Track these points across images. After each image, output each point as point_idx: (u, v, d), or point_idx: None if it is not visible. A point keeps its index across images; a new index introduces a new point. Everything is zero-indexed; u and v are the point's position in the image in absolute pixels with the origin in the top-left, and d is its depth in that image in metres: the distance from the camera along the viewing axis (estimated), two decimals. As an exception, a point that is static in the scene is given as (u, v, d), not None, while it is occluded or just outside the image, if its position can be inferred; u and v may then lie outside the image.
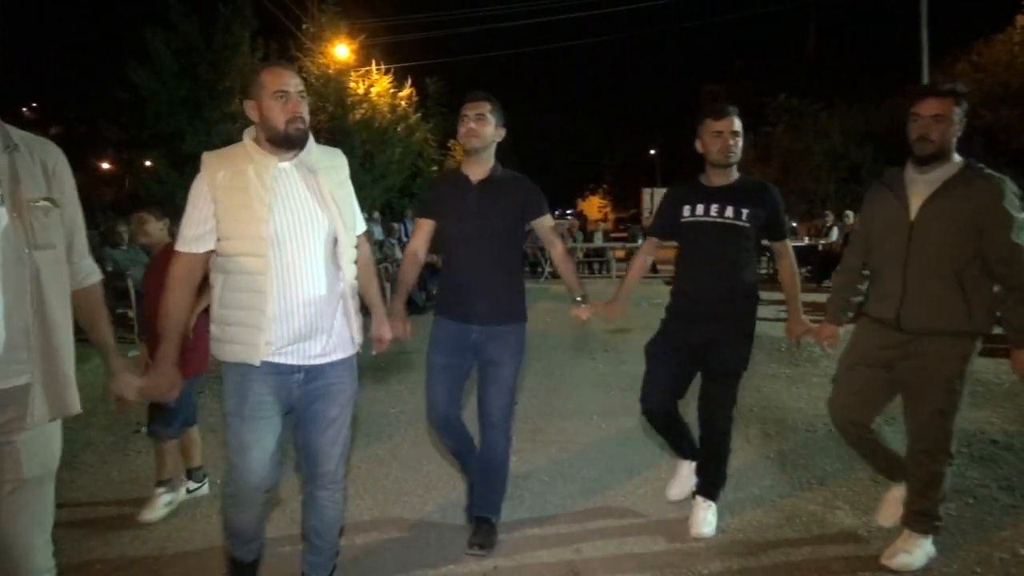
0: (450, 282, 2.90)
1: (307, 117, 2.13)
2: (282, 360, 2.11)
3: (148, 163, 12.65)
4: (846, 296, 2.92)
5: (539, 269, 15.35)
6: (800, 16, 31.53)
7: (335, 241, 2.18)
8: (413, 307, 9.33)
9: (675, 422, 3.08)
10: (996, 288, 2.56)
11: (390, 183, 16.22)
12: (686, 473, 3.18)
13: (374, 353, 2.42)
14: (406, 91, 17.50)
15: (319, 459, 2.26)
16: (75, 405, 1.79)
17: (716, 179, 2.90)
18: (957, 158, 2.55)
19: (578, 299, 2.98)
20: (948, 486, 2.67)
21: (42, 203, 1.72)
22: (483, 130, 2.76)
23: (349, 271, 2.24)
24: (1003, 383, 5.32)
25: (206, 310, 2.59)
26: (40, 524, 1.75)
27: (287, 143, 2.10)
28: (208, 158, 2.11)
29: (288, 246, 2.07)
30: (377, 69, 17.18)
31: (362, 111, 15.97)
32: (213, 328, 2.16)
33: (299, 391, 2.19)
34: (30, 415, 1.68)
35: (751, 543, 2.89)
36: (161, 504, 3.23)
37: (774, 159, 23.77)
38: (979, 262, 2.50)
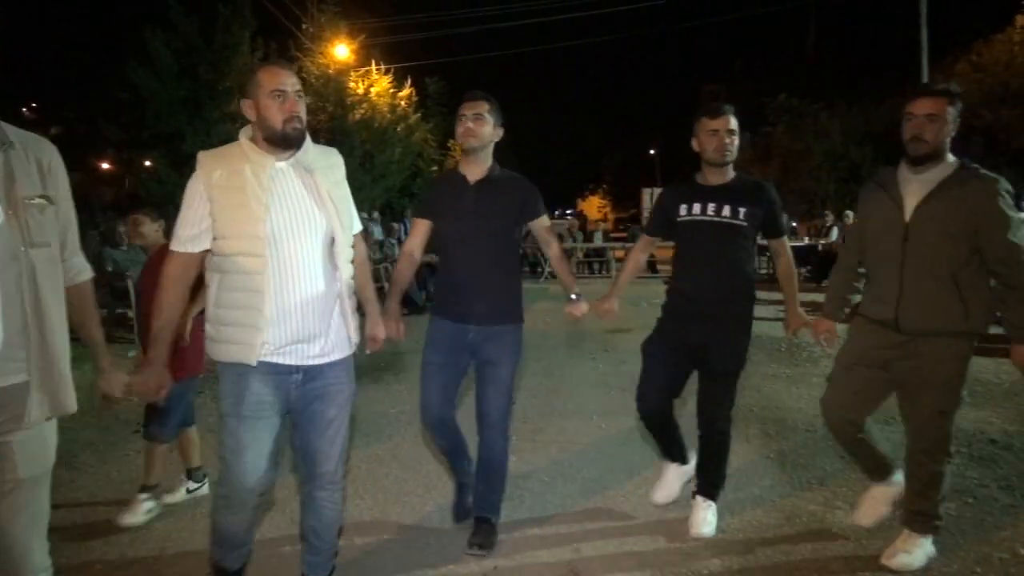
0: (447, 282, 2.90)
1: (304, 117, 2.12)
2: (280, 360, 2.10)
3: (148, 163, 12.66)
4: (843, 294, 2.93)
5: (539, 269, 15.35)
6: (800, 16, 31.53)
7: (332, 241, 2.17)
8: (412, 307, 9.32)
9: (669, 422, 3.08)
10: (994, 286, 2.56)
11: (390, 183, 16.24)
12: (672, 476, 3.17)
13: (368, 352, 2.41)
14: (406, 91, 17.53)
15: (317, 459, 2.25)
16: (71, 404, 1.79)
17: (712, 178, 2.90)
18: (951, 158, 2.55)
19: (572, 296, 2.99)
20: (947, 486, 2.67)
21: (37, 201, 1.71)
22: (481, 130, 2.76)
23: (346, 271, 2.23)
24: (1003, 383, 5.33)
25: (202, 313, 2.58)
26: (37, 524, 1.75)
27: (284, 143, 2.09)
28: (204, 157, 2.10)
29: (285, 245, 2.06)
30: (377, 69, 17.21)
31: (362, 111, 15.99)
32: (208, 328, 2.14)
33: (297, 392, 2.17)
34: (27, 414, 1.68)
35: (751, 543, 2.89)
36: (142, 510, 3.17)
37: (774, 159, 23.79)
38: (975, 262, 2.50)
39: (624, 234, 22.32)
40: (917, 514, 2.67)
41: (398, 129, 16.74)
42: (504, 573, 2.70)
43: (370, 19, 18.86)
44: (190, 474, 3.47)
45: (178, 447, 3.49)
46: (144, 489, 3.22)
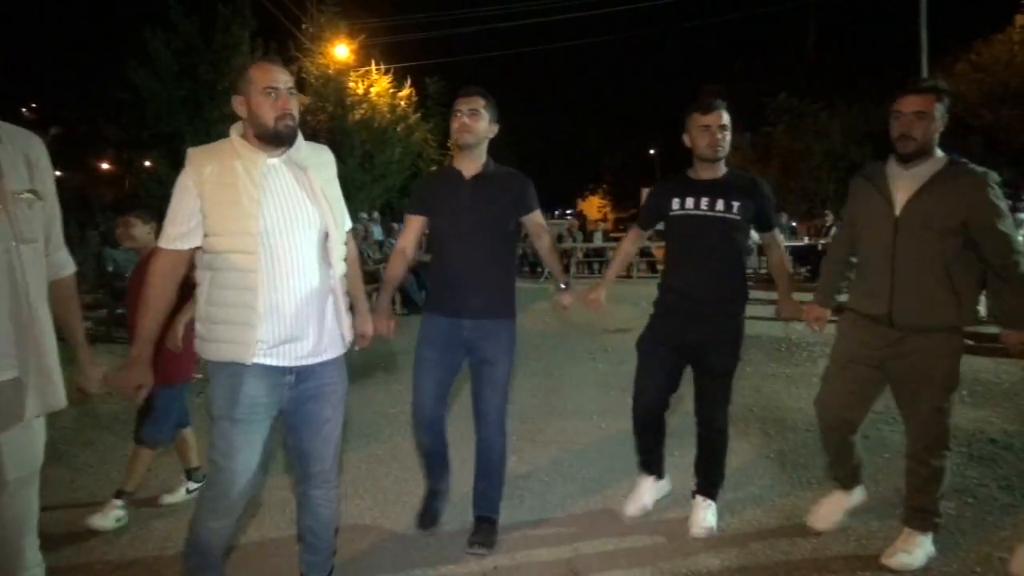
0: (441, 278, 2.88)
1: (297, 114, 2.09)
2: (274, 362, 2.07)
3: (148, 163, 12.66)
4: (834, 282, 2.96)
5: (538, 269, 15.34)
6: (800, 16, 31.51)
7: (326, 238, 2.16)
8: (412, 306, 9.33)
9: (661, 423, 3.06)
10: (992, 280, 2.59)
11: (390, 183, 16.23)
12: (646, 490, 3.11)
13: (356, 349, 2.39)
14: (406, 91, 17.51)
15: (312, 459, 2.24)
16: (61, 400, 1.78)
17: (704, 173, 2.89)
18: (940, 153, 2.57)
19: (561, 286, 3.02)
20: (947, 482, 2.69)
21: (26, 195, 1.70)
22: (476, 125, 2.75)
23: (339, 268, 2.21)
24: (1003, 383, 5.33)
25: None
26: (27, 521, 1.75)
27: (276, 140, 2.06)
28: (194, 153, 2.06)
29: (278, 242, 2.03)
30: (377, 69, 17.19)
31: (362, 111, 15.98)
32: (199, 327, 2.10)
33: (290, 392, 2.14)
34: (25, 410, 1.67)
35: (750, 542, 2.89)
36: (113, 517, 3.09)
37: (774, 159, 23.77)
38: (965, 256, 2.53)
39: (624, 234, 22.29)
40: (918, 511, 2.68)
41: (398, 129, 16.72)
42: (504, 573, 2.70)
43: (370, 19, 18.87)
44: (189, 475, 3.47)
45: (175, 449, 3.49)
46: (120, 495, 3.15)
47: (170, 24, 12.04)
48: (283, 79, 2.06)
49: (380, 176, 15.88)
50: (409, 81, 17.74)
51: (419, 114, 17.86)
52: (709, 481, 3.02)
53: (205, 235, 2.03)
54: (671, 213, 2.90)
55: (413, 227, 2.96)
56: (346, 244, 2.28)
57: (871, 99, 19.56)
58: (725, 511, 3.12)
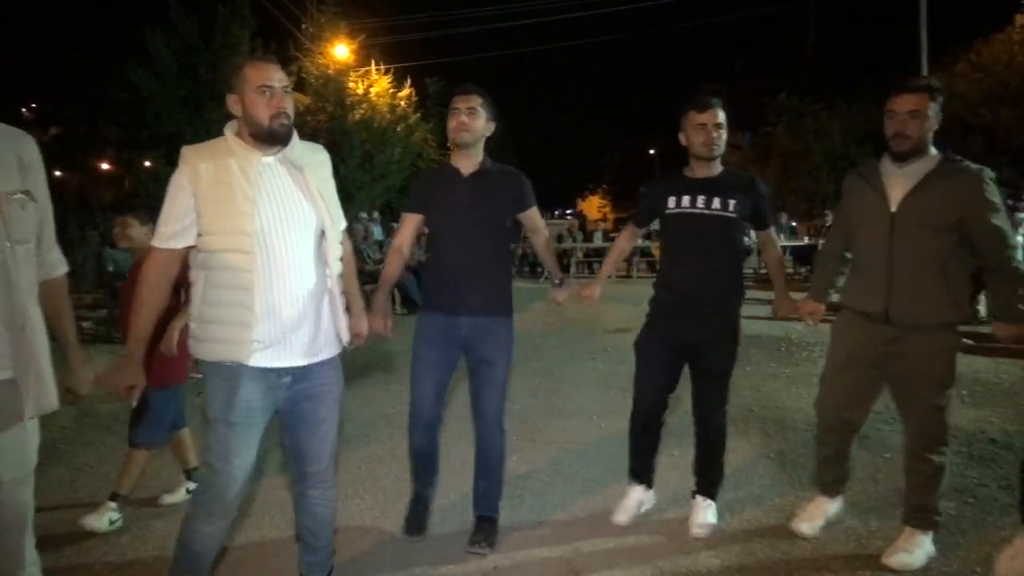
0: (439, 275, 2.87)
1: (292, 113, 2.07)
2: (270, 364, 2.05)
3: (148, 163, 12.66)
4: (829, 276, 2.98)
5: (539, 269, 15.35)
6: (800, 16, 31.50)
7: (322, 237, 2.14)
8: (412, 306, 9.32)
9: (659, 424, 3.05)
10: (987, 275, 2.61)
11: (390, 183, 16.23)
12: (635, 499, 3.07)
13: (350, 348, 2.38)
14: (405, 91, 17.49)
15: (309, 459, 2.23)
16: (52, 402, 1.77)
17: (700, 171, 2.88)
18: (934, 151, 2.59)
19: (556, 282, 3.02)
20: (946, 480, 2.70)
21: (19, 196, 1.68)
22: (474, 124, 2.76)
23: (336, 268, 2.20)
24: (1003, 383, 5.33)
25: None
26: (22, 522, 1.74)
27: (271, 139, 2.05)
28: (188, 152, 2.04)
29: (274, 242, 2.01)
30: (376, 69, 17.18)
31: (362, 111, 15.97)
32: (193, 327, 2.07)
33: (286, 393, 2.13)
34: (26, 411, 1.67)
35: (751, 542, 2.89)
36: (107, 519, 3.07)
37: (774, 159, 23.79)
38: (959, 254, 2.55)
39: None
40: (918, 510, 2.69)
41: (398, 129, 16.71)
42: (504, 573, 2.70)
43: (370, 19, 18.86)
44: (189, 475, 3.47)
45: (173, 450, 3.48)
46: (115, 497, 3.13)
47: (170, 24, 12.06)
48: (278, 77, 2.04)
49: (380, 176, 15.88)
50: (409, 81, 17.73)
51: (419, 114, 17.86)
52: (709, 481, 3.02)
53: (199, 234, 2.01)
54: (667, 212, 2.89)
55: (410, 225, 2.96)
56: (342, 244, 2.26)
57: (871, 99, 19.56)
58: (725, 511, 3.12)
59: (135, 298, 2.06)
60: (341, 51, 16.71)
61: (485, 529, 2.89)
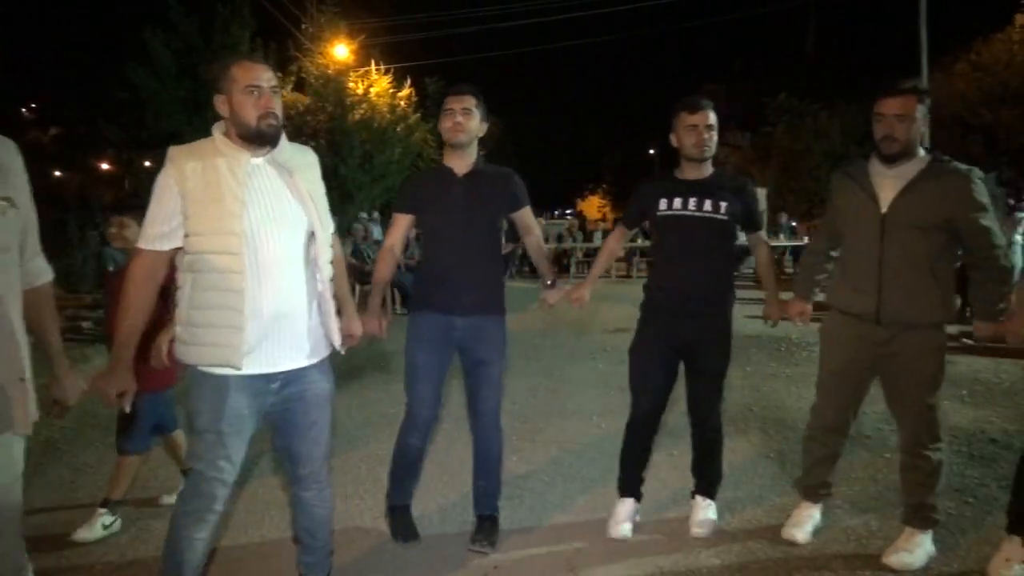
0: (433, 275, 2.86)
1: (280, 113, 2.04)
2: (258, 370, 2.02)
3: (148, 163, 12.66)
4: (814, 275, 3.00)
5: (539, 269, 15.31)
6: (800, 16, 31.53)
7: (312, 239, 2.11)
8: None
9: (655, 429, 3.04)
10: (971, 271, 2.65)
11: (390, 183, 16.22)
12: (625, 512, 3.00)
13: (342, 351, 2.37)
14: (405, 91, 17.49)
15: (301, 461, 2.21)
16: (33, 412, 1.74)
17: (691, 173, 2.87)
18: (922, 152, 2.61)
19: (548, 283, 3.02)
20: (943, 478, 2.71)
21: (0, 203, 1.64)
22: (469, 124, 2.76)
23: (327, 270, 2.16)
24: (1003, 383, 5.33)
25: None
26: (14, 528, 1.72)
27: (259, 139, 2.01)
28: (175, 151, 2.00)
29: (263, 243, 1.98)
30: (376, 69, 17.17)
31: (361, 111, 15.96)
32: (180, 331, 2.03)
33: (275, 397, 2.10)
34: (13, 421, 1.64)
35: (751, 542, 2.89)
36: (99, 525, 3.02)
37: (774, 159, 23.79)
38: (948, 254, 2.58)
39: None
40: (917, 509, 2.69)
41: (398, 129, 16.71)
42: (504, 572, 2.70)
43: (370, 19, 18.87)
44: (187, 475, 3.46)
45: (168, 452, 3.46)
46: (106, 503, 3.09)
47: (170, 24, 12.05)
48: (266, 77, 2.01)
49: (380, 176, 15.87)
50: (409, 81, 17.72)
51: (419, 114, 17.86)
52: (708, 481, 3.02)
53: (186, 235, 1.97)
54: (658, 214, 2.88)
55: (401, 226, 2.95)
56: (332, 247, 2.23)
57: (871, 99, 19.60)
58: (725, 510, 3.12)
59: (122, 300, 2.01)
60: (341, 51, 16.71)
61: (486, 528, 2.89)
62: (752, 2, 38.77)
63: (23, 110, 25.86)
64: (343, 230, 12.23)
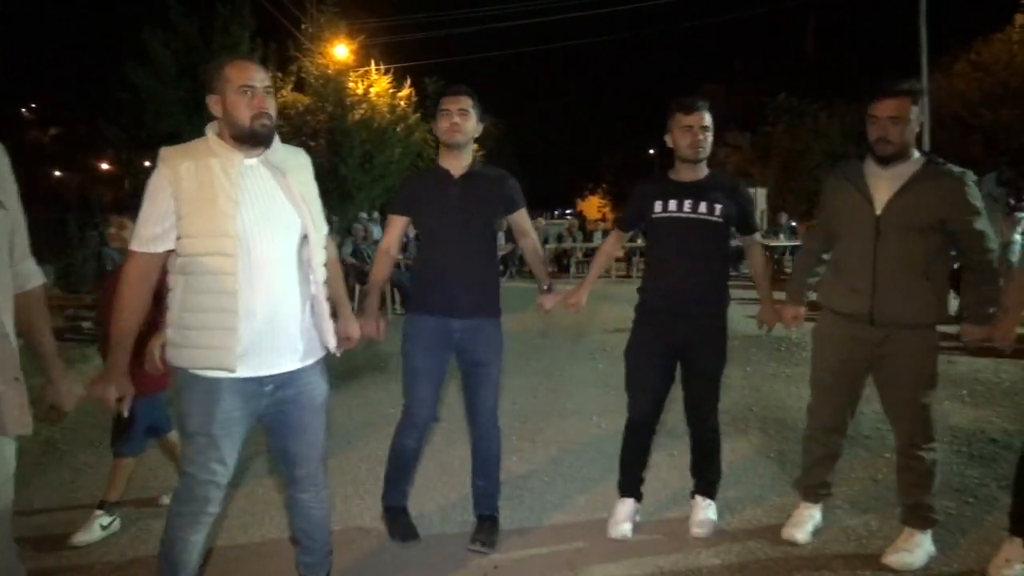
0: (430, 276, 2.84)
1: (274, 113, 2.03)
2: (251, 373, 2.00)
3: (148, 163, 12.65)
4: (807, 279, 3.00)
5: (539, 269, 15.30)
6: (800, 16, 31.55)
7: (305, 241, 2.10)
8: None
9: (652, 433, 3.04)
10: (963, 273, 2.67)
11: (390, 183, 16.22)
12: (625, 513, 3.00)
13: (338, 354, 2.36)
14: (405, 91, 17.49)
15: (297, 464, 2.19)
16: (29, 414, 1.72)
17: (686, 174, 2.87)
18: (917, 154, 2.61)
19: (544, 288, 3.01)
20: (940, 476, 2.72)
21: None
22: (466, 125, 2.76)
23: (320, 272, 2.15)
24: (1003, 382, 5.33)
25: None
26: (5, 529, 1.71)
27: (253, 140, 2.00)
28: (168, 152, 1.98)
29: (256, 245, 1.96)
30: (376, 69, 17.17)
31: (361, 111, 15.96)
32: (172, 334, 2.00)
33: (268, 400, 2.08)
34: (3, 425, 1.63)
35: (751, 542, 2.89)
36: (97, 527, 3.02)
37: (774, 159, 23.79)
38: (942, 255, 2.59)
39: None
40: (915, 509, 2.70)
41: (398, 129, 16.71)
42: (504, 572, 2.70)
43: (370, 19, 18.88)
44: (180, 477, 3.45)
45: (165, 453, 3.45)
46: (102, 505, 3.09)
47: (169, 24, 12.05)
48: (259, 77, 2.00)
49: (380, 176, 15.87)
50: (409, 81, 17.72)
51: (419, 114, 17.86)
52: (707, 480, 3.02)
53: (179, 237, 1.94)
54: (653, 216, 2.87)
55: (397, 227, 2.95)
56: (325, 248, 2.21)
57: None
58: (725, 510, 3.12)
59: (116, 304, 1.98)
60: (341, 51, 16.71)
61: (486, 528, 2.90)
62: (752, 2, 38.78)
63: (23, 110, 25.88)
64: (343, 230, 12.24)
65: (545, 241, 16.88)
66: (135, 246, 1.98)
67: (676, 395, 3.02)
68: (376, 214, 15.23)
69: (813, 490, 2.95)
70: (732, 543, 2.88)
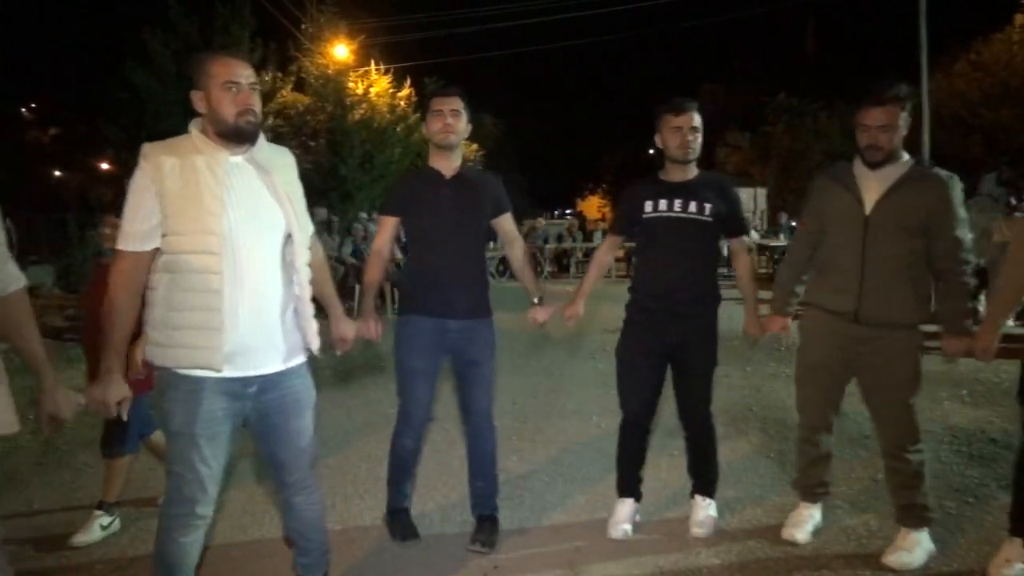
0: (423, 277, 2.83)
1: (259, 110, 2.00)
2: (234, 373, 1.97)
3: (148, 163, 12.65)
4: (793, 287, 2.98)
5: (538, 268, 15.34)
6: (800, 16, 31.56)
7: (290, 241, 2.07)
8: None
9: (647, 434, 3.04)
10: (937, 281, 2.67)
11: (389, 183, 16.23)
12: (624, 514, 3.00)
13: (338, 354, 2.35)
14: (405, 91, 17.51)
15: (286, 469, 2.17)
16: (13, 417, 1.71)
17: (675, 175, 2.87)
18: (905, 156, 2.65)
19: (535, 301, 2.98)
20: (929, 473, 2.73)
21: None
22: (459, 125, 2.77)
23: (304, 272, 2.12)
24: (1003, 382, 5.32)
25: None
26: None
27: (237, 137, 1.97)
28: (151, 148, 1.94)
29: (241, 244, 1.93)
30: (376, 69, 17.19)
31: (361, 111, 15.98)
32: (155, 334, 1.96)
33: (253, 403, 2.05)
34: None
35: (751, 542, 2.89)
36: (97, 527, 3.02)
37: (773, 159, 23.82)
38: (924, 256, 2.60)
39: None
40: (907, 508, 2.71)
41: (398, 129, 16.73)
42: (504, 572, 2.70)
43: (369, 19, 18.88)
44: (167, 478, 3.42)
45: (152, 455, 3.41)
46: (101, 505, 3.08)
47: (169, 24, 12.06)
48: (245, 74, 1.97)
49: (380, 176, 15.88)
50: (408, 81, 17.75)
51: (419, 114, 17.86)
52: (706, 480, 3.02)
53: (164, 234, 1.91)
54: (644, 216, 2.87)
55: (388, 228, 2.94)
56: (310, 248, 2.19)
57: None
58: (725, 510, 3.12)
59: (106, 308, 1.93)
60: (341, 51, 16.72)
61: (486, 528, 2.90)
62: (752, 2, 38.75)
63: (23, 110, 25.88)
64: (343, 230, 12.24)
65: (545, 241, 16.88)
66: (121, 245, 1.95)
67: (673, 394, 3.02)
68: (376, 214, 15.23)
69: (811, 490, 2.96)
70: (732, 543, 2.88)
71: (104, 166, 23.40)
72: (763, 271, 13.42)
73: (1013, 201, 7.57)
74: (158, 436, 3.28)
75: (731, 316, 3.05)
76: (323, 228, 11.80)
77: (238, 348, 1.96)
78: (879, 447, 2.81)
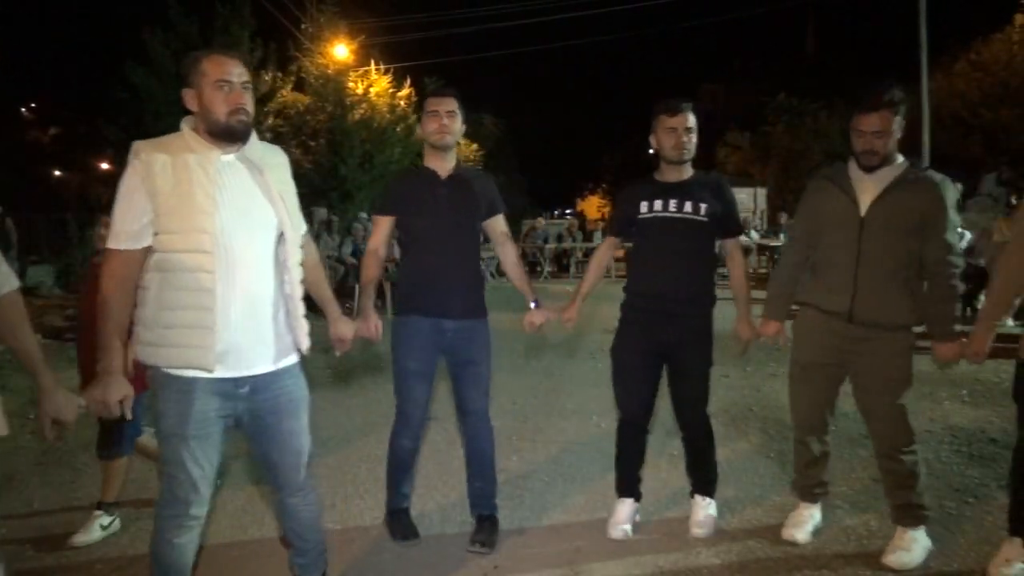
0: (420, 277, 2.83)
1: (251, 109, 1.99)
2: (226, 373, 1.97)
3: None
4: (788, 291, 2.96)
5: (538, 268, 15.37)
6: (799, 16, 31.57)
7: (282, 240, 2.06)
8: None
9: (644, 434, 3.04)
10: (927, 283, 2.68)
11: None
12: (624, 513, 2.99)
13: (338, 354, 2.34)
14: (405, 91, 17.51)
15: (280, 470, 2.16)
16: (2, 423, 1.71)
17: (670, 175, 2.87)
18: (900, 158, 2.66)
19: (531, 305, 2.97)
20: (924, 472, 2.74)
21: None
22: (454, 126, 2.78)
23: (296, 272, 2.11)
24: (1003, 383, 5.32)
25: None
26: None
27: (229, 136, 1.96)
28: (141, 146, 1.93)
29: (233, 242, 1.93)
30: (376, 69, 17.19)
31: (361, 111, 15.98)
32: (146, 333, 1.95)
33: (245, 404, 2.04)
34: None
35: (751, 542, 2.89)
36: (97, 528, 3.01)
37: (773, 159, 23.82)
38: (917, 258, 2.62)
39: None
40: (903, 508, 2.71)
41: (398, 129, 16.73)
42: (505, 572, 2.70)
43: (369, 19, 18.88)
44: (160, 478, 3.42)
45: (143, 457, 3.37)
46: (100, 505, 3.07)
47: (169, 24, 12.06)
48: (237, 72, 1.96)
49: (380, 176, 15.86)
50: (408, 81, 17.74)
51: (419, 114, 17.88)
52: (705, 479, 3.02)
53: (155, 233, 1.90)
54: (640, 216, 2.87)
55: (384, 228, 2.93)
56: (303, 247, 2.18)
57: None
58: (725, 510, 3.12)
59: (101, 308, 1.92)
60: (341, 51, 16.72)
61: (486, 528, 2.90)
62: (752, 2, 38.74)
63: (23, 110, 25.88)
64: (343, 230, 12.24)
65: (545, 241, 16.88)
66: (113, 244, 1.93)
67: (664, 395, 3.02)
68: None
69: (810, 490, 2.96)
70: (732, 543, 2.88)
71: (104, 166, 23.40)
72: (763, 271, 13.43)
73: (1013, 201, 7.58)
74: (147, 438, 3.25)
75: (730, 317, 3.04)
76: (323, 228, 11.78)
77: (230, 347, 1.95)
78: (874, 448, 2.81)
